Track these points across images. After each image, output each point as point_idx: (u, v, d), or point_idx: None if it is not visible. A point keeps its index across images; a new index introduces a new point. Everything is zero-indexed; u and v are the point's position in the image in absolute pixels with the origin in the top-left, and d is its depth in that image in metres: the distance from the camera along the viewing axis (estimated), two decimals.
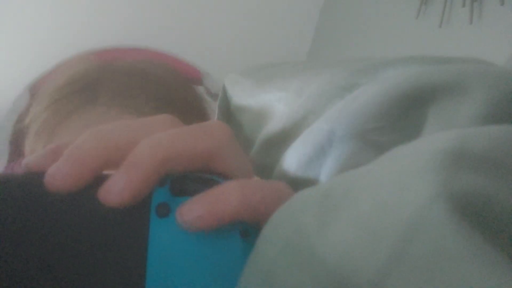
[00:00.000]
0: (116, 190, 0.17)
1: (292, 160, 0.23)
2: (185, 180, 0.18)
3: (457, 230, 0.10)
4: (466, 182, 0.11)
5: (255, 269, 0.14)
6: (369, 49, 1.41)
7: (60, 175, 0.17)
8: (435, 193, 0.11)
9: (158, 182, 0.18)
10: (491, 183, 0.11)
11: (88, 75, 0.46)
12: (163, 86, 0.48)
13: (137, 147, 0.18)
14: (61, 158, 0.17)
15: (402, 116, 0.19)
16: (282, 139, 0.25)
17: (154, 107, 0.45)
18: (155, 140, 0.18)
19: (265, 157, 0.27)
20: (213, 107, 0.51)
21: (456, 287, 0.09)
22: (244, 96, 0.32)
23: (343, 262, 0.11)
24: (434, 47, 1.16)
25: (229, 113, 0.34)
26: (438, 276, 0.09)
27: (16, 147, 0.50)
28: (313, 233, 0.13)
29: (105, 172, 0.18)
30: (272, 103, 0.28)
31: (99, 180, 0.17)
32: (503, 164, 0.12)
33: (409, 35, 1.25)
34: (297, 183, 0.23)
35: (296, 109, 0.25)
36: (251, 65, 0.36)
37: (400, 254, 0.10)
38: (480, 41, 1.03)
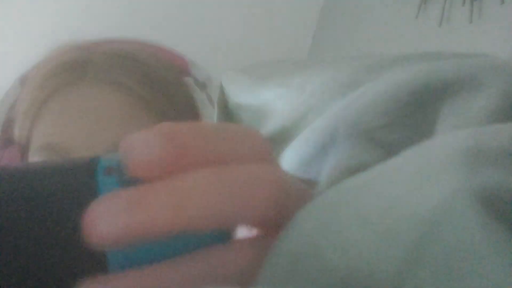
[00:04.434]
0: (100, 229, 0.12)
1: (293, 158, 0.23)
2: None
3: (482, 224, 0.09)
4: (488, 176, 0.11)
5: None
6: (369, 48, 1.41)
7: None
8: (458, 187, 0.10)
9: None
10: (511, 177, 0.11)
11: (77, 55, 0.45)
12: (153, 71, 0.46)
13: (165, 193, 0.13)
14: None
15: (413, 112, 0.18)
16: (283, 137, 0.25)
17: (144, 88, 0.43)
18: (184, 200, 0.13)
19: None
20: (201, 97, 0.50)
21: (481, 287, 0.09)
22: (243, 94, 0.31)
23: (356, 265, 0.11)
24: (434, 46, 1.16)
25: (227, 111, 0.33)
26: (461, 275, 0.09)
27: (7, 135, 0.50)
28: (320, 238, 0.12)
29: None
30: (272, 100, 0.28)
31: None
32: None
33: (409, 34, 1.25)
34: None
35: (297, 107, 0.25)
36: (250, 64, 0.36)
37: (420, 252, 0.10)
38: (480, 40, 1.02)
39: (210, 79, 0.52)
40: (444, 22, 1.13)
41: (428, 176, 0.12)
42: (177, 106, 0.46)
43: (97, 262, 0.14)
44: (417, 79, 0.19)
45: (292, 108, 0.25)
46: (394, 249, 0.10)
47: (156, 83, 0.45)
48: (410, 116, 0.18)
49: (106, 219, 0.12)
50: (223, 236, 0.15)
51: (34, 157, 0.43)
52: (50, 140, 0.41)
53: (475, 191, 0.10)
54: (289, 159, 0.23)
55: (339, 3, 1.59)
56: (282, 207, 0.14)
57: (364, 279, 0.10)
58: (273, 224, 0.15)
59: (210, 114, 0.49)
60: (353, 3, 1.52)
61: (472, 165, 0.11)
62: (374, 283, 0.10)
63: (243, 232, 0.19)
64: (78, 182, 0.15)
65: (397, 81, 0.19)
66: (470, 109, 0.17)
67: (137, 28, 1.51)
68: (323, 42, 1.67)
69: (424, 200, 0.11)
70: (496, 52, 0.97)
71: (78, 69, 0.43)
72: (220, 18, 1.60)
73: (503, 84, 0.17)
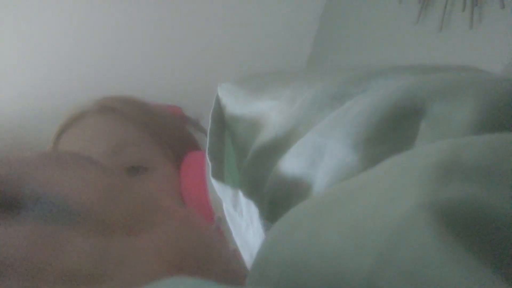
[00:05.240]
0: None
1: (286, 171, 0.23)
2: None
3: (438, 238, 0.11)
4: (455, 192, 0.12)
5: None
6: (369, 54, 1.41)
7: None
8: (419, 204, 0.12)
9: None
10: (483, 191, 0.12)
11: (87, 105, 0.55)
12: (143, 102, 0.55)
13: None
14: None
15: (394, 127, 0.19)
16: (274, 148, 0.25)
17: (129, 108, 0.51)
18: None
19: (258, 166, 0.27)
20: (198, 136, 0.58)
21: None
22: (238, 105, 0.31)
23: (337, 268, 0.12)
24: (434, 52, 1.16)
25: (223, 122, 0.34)
26: (421, 279, 0.10)
27: None
28: (308, 247, 0.13)
29: None
30: (265, 112, 0.28)
31: None
32: (495, 171, 0.13)
33: (409, 40, 1.25)
34: (292, 194, 0.23)
35: (288, 119, 0.25)
36: (247, 73, 0.36)
37: (387, 258, 0.11)
38: (480, 45, 1.02)
39: (201, 115, 0.59)
40: (444, 27, 1.13)
41: (399, 190, 0.13)
42: (167, 128, 0.53)
43: None
44: (396, 94, 0.20)
45: (283, 119, 0.25)
46: (367, 255, 0.12)
47: (142, 107, 0.53)
48: (392, 131, 0.19)
49: None
50: None
51: None
52: None
53: (437, 207, 0.11)
54: (284, 171, 0.24)
55: (339, 9, 1.60)
56: None
57: (343, 281, 0.12)
58: None
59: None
60: (353, 10, 1.52)
61: (442, 180, 0.12)
62: (351, 283, 0.11)
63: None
64: None
65: (379, 96, 0.20)
66: (448, 124, 0.18)
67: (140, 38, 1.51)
68: (323, 48, 1.68)
69: (392, 213, 0.12)
70: (496, 57, 0.97)
71: (81, 112, 0.53)
72: (219, 25, 1.60)
73: (479, 98, 0.17)
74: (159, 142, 0.51)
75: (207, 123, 0.58)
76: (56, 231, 0.18)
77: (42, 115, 1.52)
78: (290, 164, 0.23)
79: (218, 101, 0.34)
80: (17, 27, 1.41)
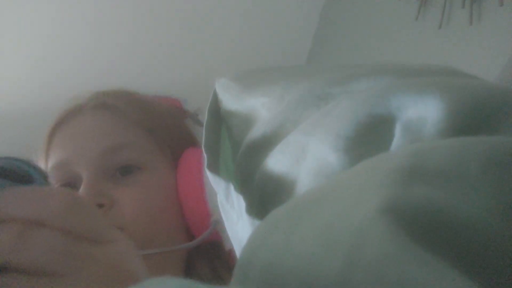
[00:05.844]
0: None
1: (273, 168, 0.24)
2: None
3: (395, 239, 0.11)
4: (415, 196, 0.12)
5: None
6: (369, 51, 1.41)
7: None
8: (381, 208, 0.12)
9: None
10: (444, 194, 0.12)
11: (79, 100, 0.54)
12: (141, 97, 0.54)
13: None
14: None
15: (371, 131, 0.20)
16: (263, 145, 0.26)
17: (127, 106, 0.51)
18: None
19: (248, 162, 0.27)
20: (197, 130, 0.58)
21: (402, 285, 0.10)
22: (233, 100, 0.32)
23: (310, 270, 0.12)
24: (434, 49, 1.16)
25: (219, 116, 0.34)
26: (387, 277, 0.11)
27: None
28: (285, 249, 0.14)
29: None
30: (257, 108, 0.29)
31: None
32: (457, 175, 0.13)
33: (409, 36, 1.25)
34: (278, 191, 0.23)
35: (275, 116, 0.26)
36: (245, 68, 0.36)
37: (353, 260, 0.12)
38: (480, 42, 1.03)
39: (200, 109, 0.59)
40: (443, 24, 1.13)
41: (364, 193, 0.13)
42: (164, 125, 0.53)
43: None
44: (374, 101, 0.20)
45: (272, 117, 0.26)
46: (336, 257, 0.12)
47: (140, 103, 0.53)
48: (369, 134, 0.20)
49: None
50: None
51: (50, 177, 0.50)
52: (58, 159, 0.50)
53: (397, 211, 0.12)
54: (270, 168, 0.24)
55: (338, 5, 1.60)
56: None
57: (317, 283, 0.12)
58: None
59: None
60: (353, 6, 1.52)
61: (403, 183, 0.13)
62: (322, 284, 0.12)
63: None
64: None
65: (359, 101, 0.21)
66: (420, 128, 0.18)
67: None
68: (323, 44, 1.68)
69: (356, 216, 0.13)
70: (496, 54, 0.97)
71: (77, 106, 0.53)
72: (220, 20, 1.61)
73: (451, 103, 0.18)
74: (156, 140, 0.51)
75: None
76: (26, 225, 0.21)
77: (37, 110, 1.52)
78: (276, 161, 0.24)
79: (215, 96, 0.35)
80: (13, 23, 1.42)
